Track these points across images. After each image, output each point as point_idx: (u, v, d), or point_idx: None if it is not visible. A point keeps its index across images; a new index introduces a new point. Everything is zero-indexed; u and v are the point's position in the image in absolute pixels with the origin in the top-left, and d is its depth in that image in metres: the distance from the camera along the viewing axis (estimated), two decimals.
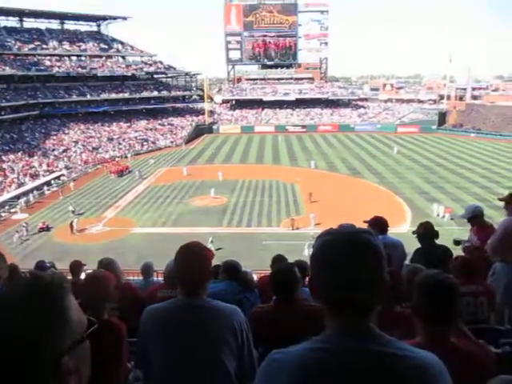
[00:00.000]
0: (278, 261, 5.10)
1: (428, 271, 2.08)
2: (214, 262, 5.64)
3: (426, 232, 5.07)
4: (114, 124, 67.30)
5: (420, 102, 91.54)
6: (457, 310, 1.85)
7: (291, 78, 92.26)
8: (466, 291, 4.00)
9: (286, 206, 33.93)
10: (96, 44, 76.13)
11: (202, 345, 2.13)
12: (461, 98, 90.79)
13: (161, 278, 6.76)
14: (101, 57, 74.60)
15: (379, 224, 5.12)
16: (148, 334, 2.23)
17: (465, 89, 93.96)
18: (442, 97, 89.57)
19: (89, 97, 68.34)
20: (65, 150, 53.71)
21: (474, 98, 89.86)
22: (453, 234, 6.74)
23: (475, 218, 5.40)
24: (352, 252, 1.21)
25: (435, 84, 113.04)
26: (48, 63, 67.39)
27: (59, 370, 0.86)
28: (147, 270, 6.11)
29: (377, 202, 31.55)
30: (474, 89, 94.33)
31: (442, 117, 76.76)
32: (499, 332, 3.90)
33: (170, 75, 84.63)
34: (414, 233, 5.26)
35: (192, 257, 2.22)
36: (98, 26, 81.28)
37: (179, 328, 2.17)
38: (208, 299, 2.26)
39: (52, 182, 42.62)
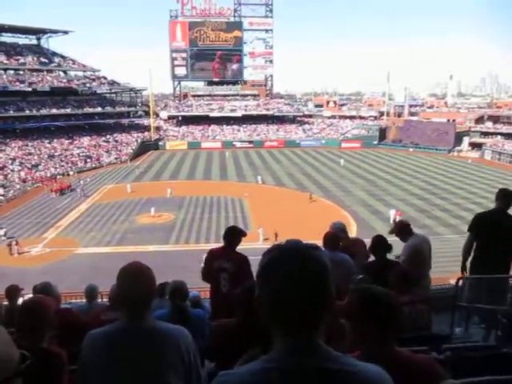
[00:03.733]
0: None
1: (364, 285, 2.07)
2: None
3: (378, 246, 5.17)
4: (55, 140, 64.78)
5: (361, 118, 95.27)
6: (396, 321, 1.84)
7: (237, 95, 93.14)
8: (405, 301, 4.18)
9: (234, 221, 33.89)
10: (36, 58, 73.28)
11: (148, 369, 2.04)
12: (399, 115, 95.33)
13: (106, 300, 6.51)
14: (41, 71, 71.72)
15: (330, 240, 5.20)
16: (89, 360, 2.10)
17: (403, 106, 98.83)
18: (381, 113, 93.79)
19: (27, 112, 65.43)
20: (1, 168, 50.98)
21: (411, 114, 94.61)
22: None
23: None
24: (298, 268, 1.19)
25: (375, 101, 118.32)
26: None
27: None
28: (91, 292, 5.82)
29: (323, 216, 32.21)
30: (410, 106, 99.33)
31: (383, 132, 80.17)
32: (441, 338, 4.06)
33: (114, 91, 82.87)
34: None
35: (134, 277, 2.13)
36: (38, 39, 78.48)
37: (122, 353, 2.05)
38: (153, 321, 2.17)
39: None
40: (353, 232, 29.89)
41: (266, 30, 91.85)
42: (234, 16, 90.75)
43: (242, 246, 5.10)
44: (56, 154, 60.50)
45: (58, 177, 52.07)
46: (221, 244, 5.28)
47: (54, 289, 4.39)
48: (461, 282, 5.64)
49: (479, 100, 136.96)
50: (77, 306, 6.61)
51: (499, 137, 70.69)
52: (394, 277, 4.31)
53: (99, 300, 6.82)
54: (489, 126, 74.36)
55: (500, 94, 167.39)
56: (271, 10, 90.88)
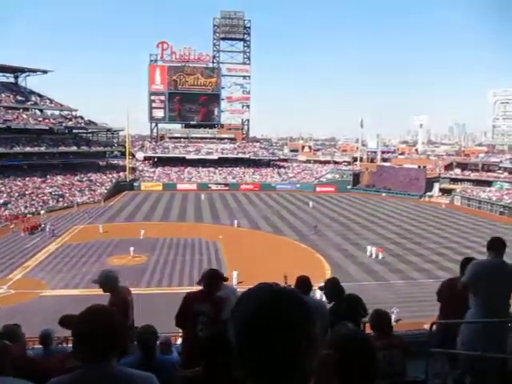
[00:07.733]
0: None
1: (344, 330, 1.98)
2: None
3: (335, 288, 5.08)
4: (27, 178, 63.55)
5: (336, 163, 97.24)
6: (376, 367, 1.77)
7: (214, 138, 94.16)
8: (381, 345, 4.12)
9: (208, 264, 33.41)
10: (12, 95, 72.96)
11: None
12: (372, 160, 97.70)
13: (71, 346, 6.19)
14: (17, 109, 71.26)
15: (302, 284, 5.11)
16: None
17: (375, 152, 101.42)
18: (355, 159, 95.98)
19: (0, 149, 64.35)
20: None
21: (384, 160, 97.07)
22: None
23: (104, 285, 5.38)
24: (277, 317, 1.01)
25: (349, 147, 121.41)
26: None
27: None
28: (46, 338, 5.40)
29: (298, 259, 32.14)
30: (383, 152, 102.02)
31: (356, 177, 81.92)
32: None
33: (90, 131, 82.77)
34: (320, 289, 5.29)
35: (92, 320, 1.97)
36: (16, 77, 78.48)
37: None
38: (118, 366, 2.05)
39: None
40: (327, 276, 29.77)
41: (244, 76, 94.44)
42: (213, 62, 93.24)
43: None
44: (27, 192, 59.22)
45: (27, 215, 50.76)
46: (195, 288, 5.10)
47: (20, 333, 4.10)
48: (434, 327, 5.61)
49: (448, 148, 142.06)
50: (34, 352, 6.26)
51: (467, 183, 73.16)
52: (373, 320, 4.27)
53: (64, 345, 6.52)
54: (457, 172, 77.01)
55: (468, 143, 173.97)
56: (249, 58, 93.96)
